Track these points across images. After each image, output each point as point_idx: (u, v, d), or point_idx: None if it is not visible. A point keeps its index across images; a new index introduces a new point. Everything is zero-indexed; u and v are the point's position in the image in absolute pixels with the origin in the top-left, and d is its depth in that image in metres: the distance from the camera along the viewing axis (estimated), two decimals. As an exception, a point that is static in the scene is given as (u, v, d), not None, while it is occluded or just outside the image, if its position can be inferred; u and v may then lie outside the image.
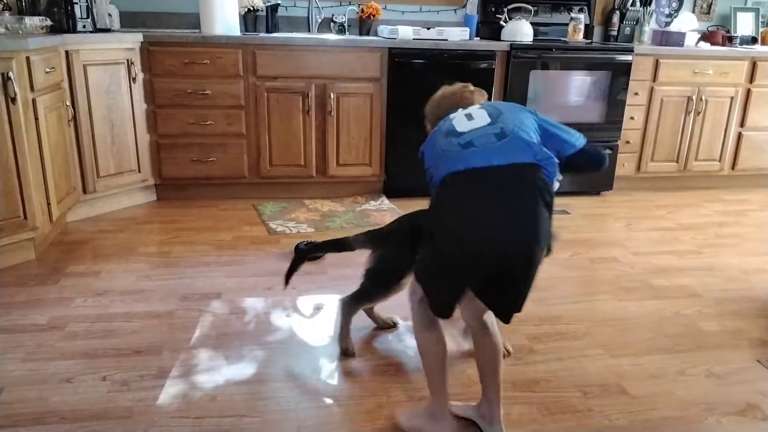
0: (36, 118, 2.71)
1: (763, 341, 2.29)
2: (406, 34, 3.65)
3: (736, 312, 2.51)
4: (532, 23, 3.95)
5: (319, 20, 4.00)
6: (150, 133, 3.48)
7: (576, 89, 3.86)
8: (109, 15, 3.54)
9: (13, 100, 2.53)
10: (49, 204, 2.84)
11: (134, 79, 3.33)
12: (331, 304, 2.49)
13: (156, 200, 3.65)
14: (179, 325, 2.26)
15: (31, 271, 2.69)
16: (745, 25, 4.58)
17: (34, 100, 2.69)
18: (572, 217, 3.64)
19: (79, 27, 3.23)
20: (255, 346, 2.14)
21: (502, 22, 3.99)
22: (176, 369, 1.99)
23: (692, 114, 4.05)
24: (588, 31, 4.27)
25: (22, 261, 2.75)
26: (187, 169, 3.55)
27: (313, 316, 2.39)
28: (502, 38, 3.90)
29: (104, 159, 3.29)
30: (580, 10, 4.19)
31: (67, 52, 3.03)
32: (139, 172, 3.48)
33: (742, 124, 4.17)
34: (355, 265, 2.80)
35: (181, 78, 3.41)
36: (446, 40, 3.69)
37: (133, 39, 3.31)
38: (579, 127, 4.19)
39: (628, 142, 4.01)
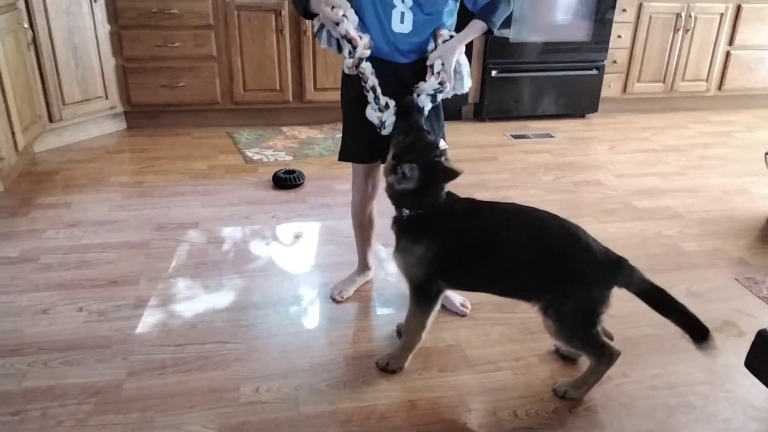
0: (-10, 41, 2.54)
1: (741, 260, 2.30)
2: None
3: (717, 232, 2.52)
4: (517, -65, 3.74)
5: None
6: (115, 57, 3.30)
7: (562, 6, 3.70)
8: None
9: (-37, 20, 2.35)
10: (13, 133, 2.71)
11: (95, -2, 3.11)
12: (311, 232, 2.44)
13: (126, 128, 3.51)
14: (156, 255, 2.21)
15: (-1, 203, 2.60)
16: (738, -64, 4.38)
17: (-14, 21, 2.51)
18: (556, 140, 3.59)
19: (32, -60, 2.98)
20: (234, 275, 2.10)
21: (486, -66, 3.77)
22: (154, 298, 1.95)
23: (681, 32, 3.93)
24: (576, -56, 4.06)
25: (-11, 193, 2.66)
26: (157, 95, 3.39)
27: (292, 245, 2.34)
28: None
29: (69, 85, 3.12)
30: None
31: (19, -32, 2.81)
32: (107, 98, 3.32)
33: (731, 42, 4.07)
34: (334, 193, 2.76)
35: (145, -4, 3.20)
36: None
37: (90, -47, 3.08)
38: (566, 46, 4.09)
39: (615, 61, 3.90)
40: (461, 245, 1.53)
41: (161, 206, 2.60)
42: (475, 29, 1.65)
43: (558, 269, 1.47)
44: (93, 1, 3.11)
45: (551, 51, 3.75)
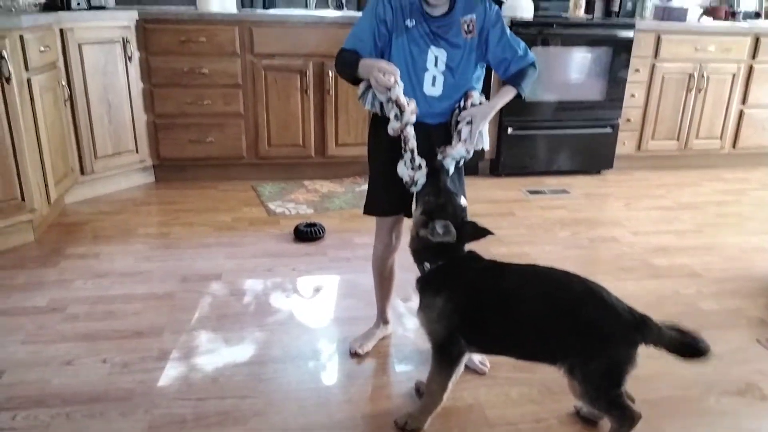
0: (31, 98, 2.68)
1: (762, 321, 2.29)
2: (405, 10, 3.59)
3: (736, 291, 2.52)
4: (532, -1, 3.89)
5: (317, -3, 3.95)
6: (147, 113, 3.45)
7: (577, 66, 3.82)
8: (103, -8, 3.49)
9: (8, 79, 2.50)
10: (46, 185, 2.82)
11: (130, 57, 3.28)
12: (330, 285, 2.49)
13: (154, 181, 3.63)
14: (179, 307, 2.26)
15: (30, 254, 2.68)
16: None
17: (29, 80, 2.66)
18: (572, 196, 3.63)
19: (73, 4, 3.18)
20: (255, 328, 2.14)
21: (502, -2, 3.93)
22: (177, 351, 1.99)
23: (693, 91, 4.01)
24: (589, 6, 4.21)
25: (21, 243, 2.75)
26: (186, 150, 3.52)
27: (312, 298, 2.39)
28: (502, 14, 3.83)
29: (102, 139, 3.26)
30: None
31: (61, 31, 2.98)
32: (137, 152, 3.45)
33: (743, 101, 4.13)
34: (354, 246, 2.82)
35: (178, 56, 3.36)
36: (446, 17, 3.63)
37: (128, 16, 3.26)
38: (580, 105, 4.19)
39: (628, 120, 3.98)
40: (481, 301, 1.55)
41: (186, 258, 2.67)
42: (507, 95, 1.74)
43: (583, 330, 1.48)
44: (128, 61, 3.28)
45: (566, 109, 3.84)
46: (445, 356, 1.60)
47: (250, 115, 3.54)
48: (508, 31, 1.76)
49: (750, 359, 2.06)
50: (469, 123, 1.68)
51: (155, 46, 3.34)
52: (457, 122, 1.70)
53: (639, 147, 4.09)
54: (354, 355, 2.00)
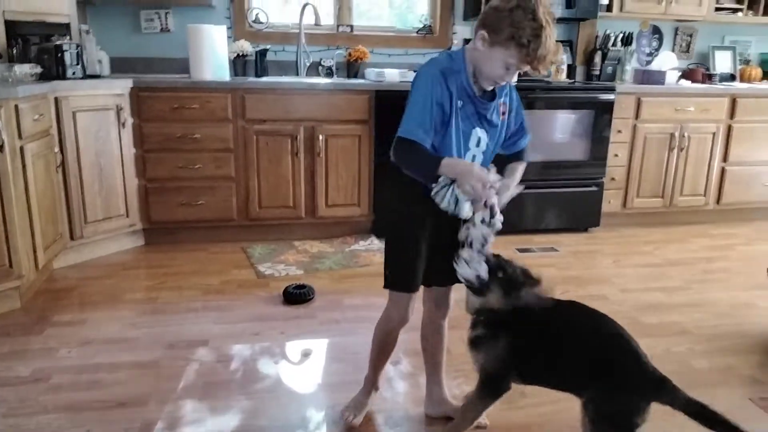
0: (23, 165, 2.71)
1: (754, 378, 2.28)
2: (392, 76, 3.71)
3: (727, 348, 2.51)
4: (515, 64, 4.02)
5: (308, 64, 4.07)
6: (138, 178, 3.49)
7: (561, 128, 3.92)
8: (99, 61, 3.59)
9: (1, 148, 2.54)
10: (35, 251, 2.82)
11: (123, 124, 3.35)
12: (319, 349, 2.46)
13: (144, 245, 3.63)
14: (165, 375, 2.23)
15: (16, 321, 2.65)
16: (723, 62, 4.69)
17: (21, 148, 2.70)
18: (561, 254, 3.66)
19: (69, 74, 3.26)
20: (242, 396, 2.10)
21: (486, 64, 4.06)
22: (162, 421, 1.95)
23: (675, 150, 4.11)
24: (571, 71, 4.36)
25: (7, 310, 2.72)
26: (176, 213, 3.55)
27: (301, 363, 2.36)
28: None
29: (92, 204, 3.28)
30: (563, 51, 4.29)
31: (56, 99, 3.05)
32: (128, 216, 3.47)
33: (725, 159, 4.23)
34: (344, 308, 2.80)
35: (171, 122, 3.43)
36: (432, 82, 3.75)
37: (123, 85, 3.34)
38: (565, 164, 4.28)
39: (613, 178, 4.06)
40: (534, 337, 1.64)
41: (173, 323, 2.64)
42: (519, 169, 1.79)
43: (605, 368, 1.57)
44: (121, 127, 3.34)
45: (552, 168, 3.92)
46: (493, 389, 1.70)
47: (241, 178, 3.58)
48: (522, 112, 1.83)
49: (744, 420, 2.00)
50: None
51: (148, 113, 3.41)
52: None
53: (625, 204, 4.15)
54: (348, 427, 1.95)
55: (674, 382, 2.24)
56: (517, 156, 1.81)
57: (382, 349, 1.97)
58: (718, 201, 4.30)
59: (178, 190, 3.52)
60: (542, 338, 1.63)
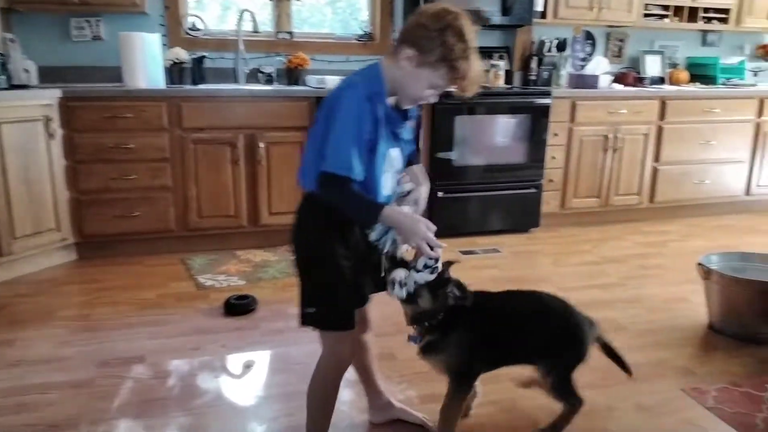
0: (-58, 181, 2.58)
1: (686, 370, 2.37)
2: (333, 83, 3.67)
3: (661, 342, 2.60)
4: (455, 70, 4.07)
5: (247, 71, 4.01)
6: (70, 190, 3.35)
7: (500, 132, 4.00)
8: (26, 71, 3.43)
9: None
10: (-42, 270, 2.68)
11: (52, 135, 3.21)
12: (263, 361, 2.42)
13: (77, 259, 3.48)
14: (99, 394, 2.14)
15: (-63, 344, 2.50)
16: (653, 66, 4.89)
17: (-60, 162, 2.56)
18: (503, 255, 3.72)
19: (-8, 84, 3.11)
20: (180, 413, 2.04)
21: (426, 70, 4.10)
22: (95, 443, 1.88)
23: (610, 151, 4.25)
24: (509, 76, 4.45)
25: (-74, 333, 2.57)
26: (110, 226, 3.42)
27: (243, 375, 2.31)
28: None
29: (21, 219, 3.13)
30: (500, 57, 4.37)
31: (-22, 111, 2.91)
32: (59, 230, 3.33)
33: (657, 159, 4.41)
34: (287, 317, 2.76)
35: (103, 132, 3.32)
36: (372, 87, 3.76)
37: (51, 95, 3.21)
38: (505, 167, 4.36)
39: (551, 180, 4.16)
40: (489, 324, 1.76)
41: (108, 340, 2.55)
42: (424, 174, 1.73)
43: (565, 334, 1.84)
44: (50, 139, 3.21)
45: (493, 171, 3.99)
46: (466, 383, 1.81)
47: (179, 188, 3.49)
48: None
49: (677, 410, 2.11)
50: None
51: (79, 124, 3.29)
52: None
53: (563, 205, 4.26)
54: None
55: (611, 377, 2.32)
56: (411, 158, 1.72)
57: (328, 400, 1.74)
58: (651, 199, 4.47)
59: (113, 202, 3.40)
60: (497, 325, 1.77)
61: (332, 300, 1.61)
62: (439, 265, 1.62)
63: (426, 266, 1.60)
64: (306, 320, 1.63)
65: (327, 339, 1.66)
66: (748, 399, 2.15)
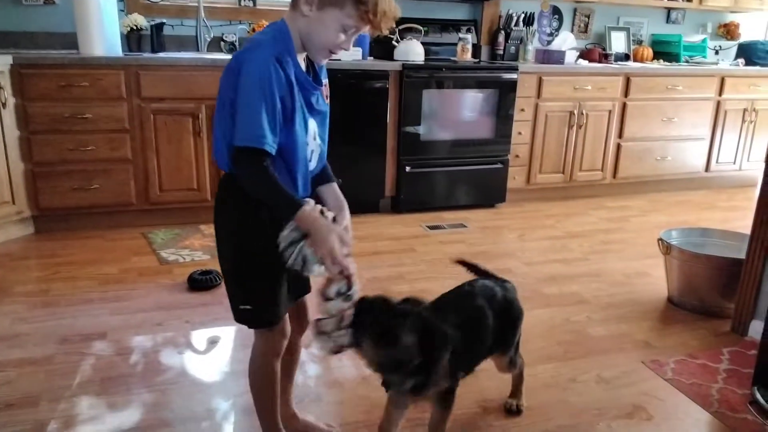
0: None
1: (646, 343, 2.43)
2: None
3: (622, 316, 2.66)
4: (423, 43, 4.04)
5: (209, 39, 3.88)
6: (24, 162, 3.22)
7: (467, 107, 3.99)
8: (-27, 35, 3.26)
9: None
10: None
11: (4, 104, 3.07)
12: (227, 336, 2.39)
13: (34, 233, 3.37)
14: (58, 372, 2.09)
15: None
16: (618, 43, 4.93)
17: None
18: (469, 230, 3.74)
19: (-64, 48, 2.95)
20: (143, 389, 2.01)
21: (394, 42, 4.05)
22: (55, 422, 1.83)
23: (575, 127, 4.29)
24: (476, 51, 4.42)
25: None
26: (68, 198, 3.31)
27: (207, 351, 2.28)
28: (395, 58, 3.96)
29: (-29, 191, 3.01)
30: (468, 30, 4.35)
31: None
32: (14, 203, 3.20)
33: (620, 135, 4.47)
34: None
35: (58, 102, 3.18)
36: (339, 59, 3.69)
37: (3, 61, 3.06)
38: (472, 142, 4.37)
39: (517, 156, 4.18)
40: (462, 333, 1.62)
41: (67, 316, 2.48)
42: (342, 196, 1.57)
43: (512, 317, 1.85)
44: (2, 108, 3.06)
45: (460, 146, 3.99)
46: (450, 395, 1.66)
47: (139, 160, 3.39)
48: None
49: (636, 381, 2.17)
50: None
51: (33, 92, 3.14)
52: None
53: (528, 180, 4.29)
54: None
55: (573, 351, 2.37)
56: (325, 172, 1.56)
57: (270, 392, 1.62)
58: (614, 175, 4.54)
59: (70, 174, 3.28)
60: (464, 334, 1.62)
61: (257, 292, 1.48)
62: (355, 290, 1.39)
63: (339, 293, 1.37)
64: (241, 318, 1.52)
65: (257, 335, 1.57)
66: (704, 370, 2.23)
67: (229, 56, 3.71)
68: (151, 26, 3.69)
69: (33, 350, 2.22)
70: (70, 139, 3.24)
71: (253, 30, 3.91)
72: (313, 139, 1.47)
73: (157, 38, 3.71)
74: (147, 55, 3.55)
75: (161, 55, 3.60)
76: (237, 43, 3.93)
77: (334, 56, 1.44)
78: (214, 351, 2.28)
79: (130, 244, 3.27)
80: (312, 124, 1.46)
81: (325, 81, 1.51)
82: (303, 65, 1.42)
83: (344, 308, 1.37)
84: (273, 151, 1.33)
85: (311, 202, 1.38)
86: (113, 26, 3.41)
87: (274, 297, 1.49)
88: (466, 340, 1.63)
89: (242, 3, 4.03)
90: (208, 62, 3.44)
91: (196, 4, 3.81)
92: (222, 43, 3.93)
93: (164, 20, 3.77)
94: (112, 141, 3.31)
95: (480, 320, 1.73)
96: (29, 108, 3.16)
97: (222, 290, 2.74)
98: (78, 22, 3.32)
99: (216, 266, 2.88)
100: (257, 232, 1.44)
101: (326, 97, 1.51)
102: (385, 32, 1.39)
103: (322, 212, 1.38)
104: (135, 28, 3.62)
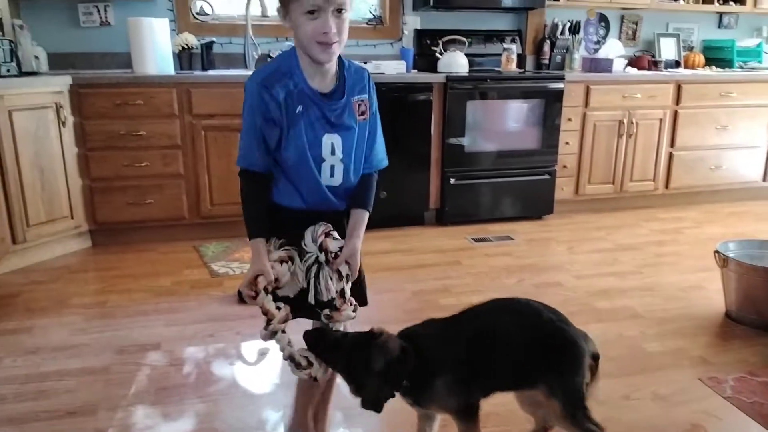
0: (-44, 169, 2.58)
1: (703, 359, 2.35)
2: (343, 68, 3.66)
3: (677, 331, 2.58)
4: (466, 54, 4.03)
5: (256, 56, 3.98)
6: (82, 178, 3.36)
7: (512, 117, 3.96)
8: (36, 57, 3.43)
9: (-71, 151, 2.40)
10: (-27, 258, 2.69)
11: (64, 122, 3.21)
12: (277, 348, 2.41)
13: (91, 246, 3.50)
14: (115, 381, 2.15)
15: (-46, 331, 2.52)
16: (668, 49, 4.81)
17: (-47, 150, 2.56)
18: (516, 243, 3.69)
19: (3, 71, 3.10)
20: (196, 399, 2.05)
21: (437, 54, 4.06)
22: (113, 429, 1.89)
23: (624, 136, 4.20)
24: (521, 61, 4.39)
25: (-56, 320, 2.59)
26: (123, 213, 3.43)
27: (257, 363, 2.32)
28: (438, 70, 3.97)
29: (34, 207, 3.14)
30: (512, 41, 4.32)
31: (-11, 98, 2.91)
32: (72, 218, 3.34)
33: (672, 144, 4.35)
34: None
35: (114, 119, 3.31)
36: (383, 73, 3.73)
37: (62, 82, 3.20)
38: (518, 153, 4.33)
39: (565, 166, 4.12)
40: (471, 351, 1.54)
41: (123, 327, 2.56)
42: (364, 220, 1.56)
43: (556, 346, 1.55)
44: (62, 126, 3.20)
45: (505, 157, 3.96)
46: (472, 413, 1.56)
47: (190, 175, 3.49)
48: (378, 120, 1.58)
49: (694, 399, 2.09)
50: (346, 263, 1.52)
51: (90, 111, 3.28)
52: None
53: (577, 191, 4.22)
54: None
55: (627, 367, 2.31)
56: (362, 203, 1.56)
57: (299, 384, 1.75)
58: (666, 185, 4.42)
59: (125, 189, 3.40)
60: (480, 354, 1.54)
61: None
62: (273, 325, 1.49)
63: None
64: None
65: None
66: (766, 389, 2.13)
67: (276, 72, 3.80)
68: (201, 45, 3.81)
69: (91, 360, 2.30)
70: (125, 156, 3.37)
71: (299, 46, 3.98)
72: (331, 154, 1.49)
73: (207, 56, 3.83)
74: (197, 72, 3.66)
75: (211, 72, 3.71)
76: (283, 60, 4.01)
77: (331, 45, 1.40)
78: (264, 362, 2.31)
79: (182, 257, 3.36)
80: (329, 138, 1.47)
81: (359, 97, 1.51)
82: (324, 80, 1.46)
83: (265, 336, 1.50)
84: (262, 170, 1.46)
85: (262, 241, 1.48)
86: (165, 46, 3.53)
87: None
88: (475, 356, 1.53)
89: (288, 20, 4.10)
90: (256, 79, 3.51)
91: (245, 23, 3.91)
92: (269, 59, 4.01)
93: (214, 39, 3.88)
94: (165, 157, 3.42)
95: (500, 337, 1.56)
96: (87, 126, 3.30)
97: (271, 302, 2.79)
98: (132, 42, 3.46)
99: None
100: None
101: (361, 113, 1.51)
102: (346, 5, 1.39)
103: (328, 233, 1.48)
104: (186, 47, 3.74)
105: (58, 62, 3.64)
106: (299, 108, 1.43)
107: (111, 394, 2.07)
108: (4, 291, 2.93)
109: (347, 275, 1.52)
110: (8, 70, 3.13)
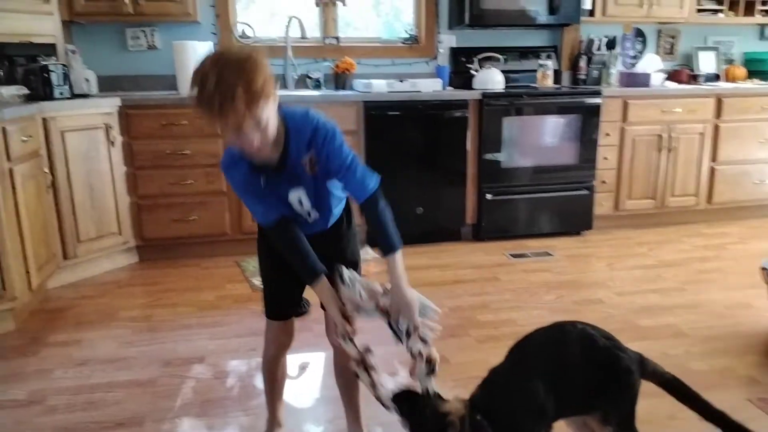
0: (13, 188, 2.70)
1: (751, 379, 2.29)
2: (380, 87, 3.72)
3: (724, 349, 2.52)
4: (502, 71, 4.05)
5: (296, 77, 4.07)
6: (130, 195, 3.48)
7: (549, 132, 3.95)
8: (87, 80, 3.58)
9: (-10, 171, 2.53)
10: (28, 272, 2.80)
11: (113, 142, 3.34)
12: (317, 362, 2.45)
13: (138, 262, 3.62)
14: (162, 393, 2.21)
15: (10, 343, 2.63)
16: (707, 63, 4.74)
17: (11, 170, 2.69)
18: (555, 259, 3.66)
19: (56, 94, 3.25)
20: (240, 412, 2.09)
21: (473, 71, 4.09)
22: (160, 441, 1.94)
23: (664, 151, 4.14)
24: (557, 76, 4.38)
25: (1, 332, 2.70)
26: (169, 229, 3.54)
27: (298, 377, 2.35)
28: (474, 87, 3.99)
29: (84, 223, 3.27)
30: (548, 57, 4.32)
31: (44, 120, 3.04)
32: (120, 234, 3.46)
33: (714, 158, 4.27)
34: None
35: (160, 139, 3.43)
36: (419, 91, 3.77)
37: (111, 103, 3.34)
38: (555, 168, 4.31)
39: (603, 181, 4.08)
40: (545, 394, 1.50)
41: (169, 341, 2.63)
42: (398, 260, 1.60)
43: (612, 373, 1.54)
44: (111, 146, 3.33)
45: (542, 172, 3.94)
46: None
47: (232, 193, 3.57)
48: (345, 153, 1.57)
49: (743, 420, 2.02)
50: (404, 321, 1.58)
51: (137, 131, 3.41)
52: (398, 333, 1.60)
53: (616, 207, 4.17)
54: None
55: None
56: (389, 245, 1.58)
57: (271, 381, 1.94)
58: (709, 200, 4.33)
59: (170, 206, 3.51)
60: (552, 393, 1.51)
61: (266, 295, 1.87)
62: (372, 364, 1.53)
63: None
64: None
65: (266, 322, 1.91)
66: (820, 409, 2.06)
67: (314, 92, 3.88)
68: (243, 66, 3.91)
69: (139, 372, 2.37)
70: (171, 174, 3.48)
71: (337, 67, 4.06)
72: (299, 205, 1.62)
73: (248, 77, 3.92)
74: (240, 93, 3.76)
75: (252, 93, 3.80)
76: (321, 80, 4.09)
77: (256, 151, 1.44)
78: (304, 377, 2.35)
79: (224, 272, 3.44)
80: (294, 193, 1.60)
81: (306, 155, 1.54)
82: (270, 156, 1.51)
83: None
84: (277, 217, 1.58)
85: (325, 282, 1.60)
86: (209, 68, 3.63)
87: (270, 296, 1.87)
88: (548, 396, 1.49)
89: (326, 41, 4.20)
90: (296, 99, 3.60)
91: (284, 44, 4.01)
92: (308, 80, 4.10)
93: (255, 60, 3.98)
94: (209, 175, 3.52)
95: (567, 371, 1.53)
96: (135, 145, 3.43)
97: (311, 317, 2.83)
98: (177, 65, 3.59)
99: (304, 294, 2.99)
100: (262, 250, 1.82)
101: (311, 168, 1.56)
102: (249, 129, 1.39)
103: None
104: (228, 68, 3.84)
105: (108, 85, 3.80)
106: (262, 179, 1.56)
107: (158, 406, 2.13)
108: (55, 305, 3.05)
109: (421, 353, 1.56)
110: (61, 93, 3.28)
